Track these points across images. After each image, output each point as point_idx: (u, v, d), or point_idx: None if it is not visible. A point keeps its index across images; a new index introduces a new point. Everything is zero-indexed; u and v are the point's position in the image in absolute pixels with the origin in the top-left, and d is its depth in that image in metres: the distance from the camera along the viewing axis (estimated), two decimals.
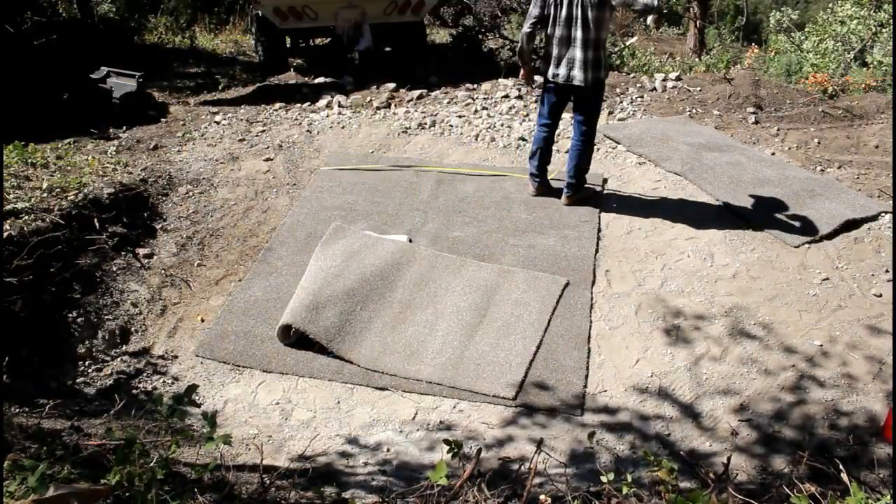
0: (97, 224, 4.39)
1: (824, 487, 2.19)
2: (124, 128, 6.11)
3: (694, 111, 6.75)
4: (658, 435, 3.28)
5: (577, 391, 3.50)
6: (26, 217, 4.06)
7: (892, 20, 8.80)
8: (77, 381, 3.53)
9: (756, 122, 6.46)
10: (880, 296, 4.04)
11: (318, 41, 9.31)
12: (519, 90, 7.05)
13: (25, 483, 1.59)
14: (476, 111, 6.62)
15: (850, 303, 4.03)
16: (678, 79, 7.50)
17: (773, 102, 6.86)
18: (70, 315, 3.80)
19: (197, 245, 4.71)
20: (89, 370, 3.62)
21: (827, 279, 4.22)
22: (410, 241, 4.50)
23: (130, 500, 1.65)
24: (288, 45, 8.77)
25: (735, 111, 6.74)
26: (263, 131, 6.28)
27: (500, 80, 7.45)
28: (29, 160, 4.79)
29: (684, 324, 3.98)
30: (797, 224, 4.68)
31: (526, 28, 4.48)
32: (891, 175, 5.27)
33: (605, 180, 5.49)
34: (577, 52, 4.38)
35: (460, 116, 6.49)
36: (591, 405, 3.45)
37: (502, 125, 6.32)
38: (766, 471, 3.06)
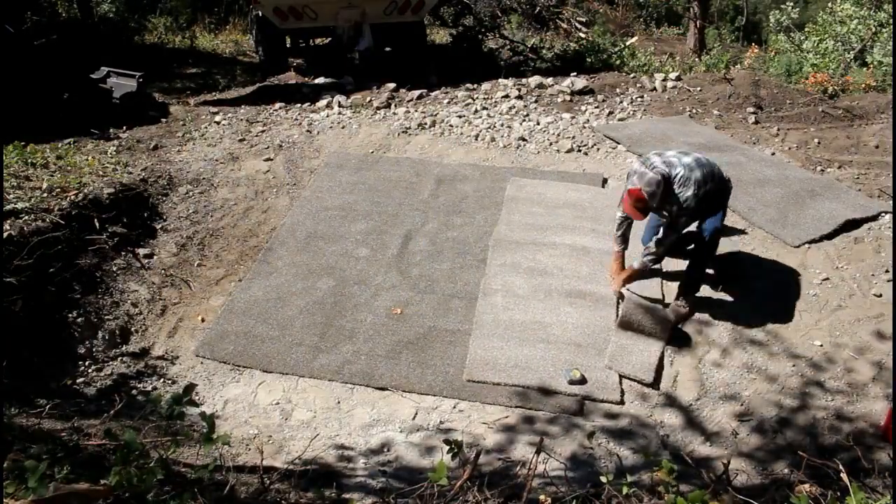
0: (97, 224, 4.39)
1: (824, 488, 2.19)
2: (124, 128, 6.12)
3: (694, 111, 6.75)
4: (659, 437, 3.28)
5: (576, 393, 3.50)
6: (26, 217, 4.06)
7: (892, 20, 8.79)
8: (77, 381, 3.53)
9: (756, 122, 6.46)
10: (880, 296, 4.04)
11: (318, 41, 9.31)
12: (519, 90, 7.05)
13: (25, 483, 1.59)
14: (476, 111, 6.62)
15: (850, 303, 4.03)
16: (678, 79, 7.50)
17: (773, 102, 6.86)
18: (70, 315, 3.80)
19: (197, 245, 4.71)
20: (89, 370, 3.62)
21: (827, 279, 4.21)
22: None
23: (130, 500, 1.65)
24: (288, 45, 8.77)
25: (735, 111, 6.74)
26: (263, 131, 6.28)
27: (500, 80, 7.45)
28: (29, 160, 4.79)
29: (685, 325, 3.98)
30: (797, 224, 4.67)
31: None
32: (891, 175, 5.26)
33: (605, 180, 5.49)
34: None
35: (460, 116, 6.49)
36: (591, 407, 3.45)
37: (502, 125, 6.32)
38: (767, 472, 3.06)
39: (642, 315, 3.82)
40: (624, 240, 4.14)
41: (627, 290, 3.97)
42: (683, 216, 3.77)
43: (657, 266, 4.13)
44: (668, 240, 3.86)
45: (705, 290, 4.23)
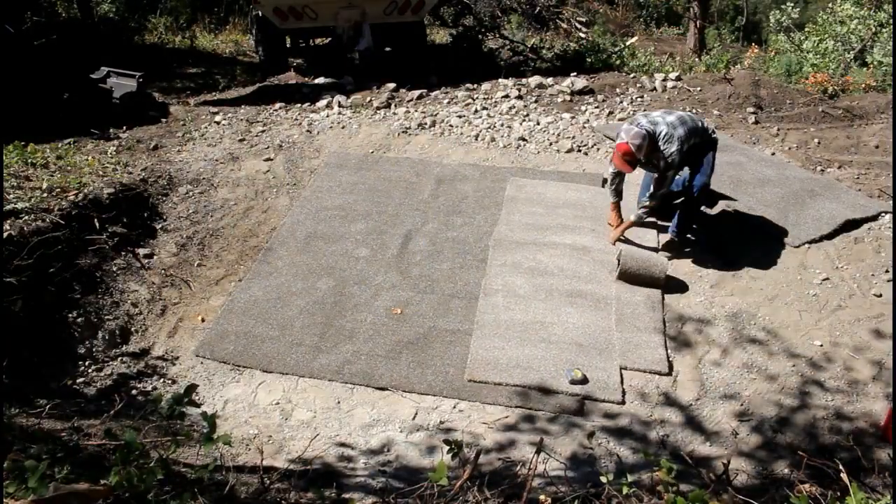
0: (97, 224, 4.39)
1: (824, 488, 2.19)
2: (124, 128, 6.11)
3: (694, 111, 6.74)
4: (659, 437, 3.28)
5: (577, 393, 3.50)
6: (26, 217, 4.06)
7: (892, 20, 8.79)
8: (77, 381, 3.53)
9: (756, 122, 6.46)
10: (880, 296, 4.04)
11: (318, 41, 9.30)
12: (519, 90, 7.04)
13: (25, 483, 1.59)
14: (476, 111, 6.62)
15: (850, 303, 4.03)
16: (678, 79, 7.50)
17: (773, 102, 6.85)
18: (70, 315, 3.80)
19: (197, 245, 4.71)
20: (89, 370, 3.62)
21: (827, 279, 4.21)
22: None
23: (130, 500, 1.65)
24: (288, 45, 8.77)
25: (735, 111, 6.74)
26: (263, 131, 6.28)
27: (500, 80, 7.44)
28: (29, 160, 4.79)
29: (685, 325, 3.98)
30: (797, 224, 4.67)
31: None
32: (891, 175, 5.26)
33: (604, 180, 5.48)
34: None
35: (460, 116, 6.48)
36: (591, 407, 3.45)
37: (502, 125, 6.32)
38: (767, 472, 3.06)
39: (639, 263, 4.21)
40: (617, 193, 4.64)
41: (623, 240, 4.52)
42: (670, 169, 4.24)
43: (652, 219, 4.67)
44: (659, 192, 4.36)
45: (705, 287, 4.24)
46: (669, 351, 3.78)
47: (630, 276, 4.20)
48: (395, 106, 6.86)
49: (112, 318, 3.96)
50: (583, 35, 11.22)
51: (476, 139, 6.15)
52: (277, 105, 6.92)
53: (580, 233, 4.74)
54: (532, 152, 5.96)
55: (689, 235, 4.63)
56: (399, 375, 3.61)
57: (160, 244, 4.65)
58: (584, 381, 3.50)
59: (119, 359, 3.76)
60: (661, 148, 4.17)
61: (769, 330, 3.90)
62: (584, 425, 3.31)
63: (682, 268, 4.44)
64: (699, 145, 4.31)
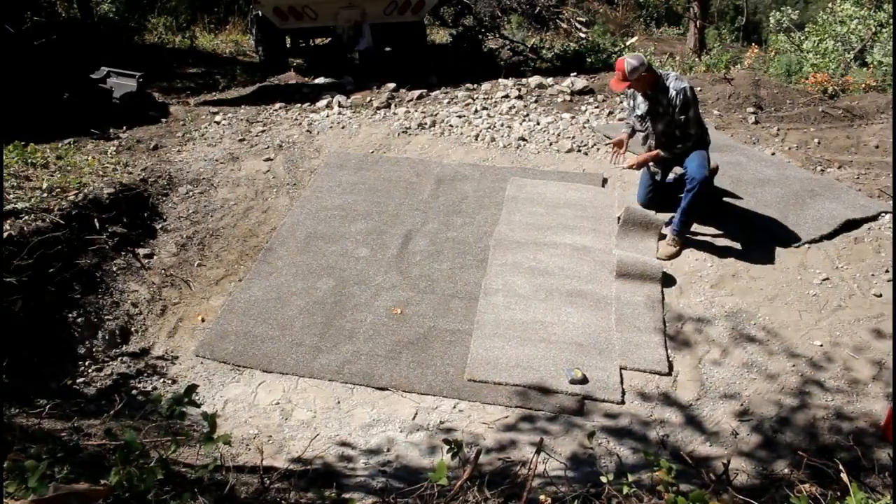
0: (97, 224, 4.39)
1: (824, 488, 2.19)
2: (124, 128, 6.11)
3: None
4: (659, 437, 3.28)
5: (576, 392, 3.50)
6: (26, 217, 4.06)
7: (892, 20, 8.79)
8: (77, 381, 3.53)
9: (756, 122, 6.46)
10: (880, 296, 4.04)
11: (318, 41, 9.31)
12: (519, 90, 7.05)
13: (25, 483, 1.59)
14: (476, 111, 6.62)
15: (850, 303, 4.03)
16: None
17: (773, 102, 6.85)
18: (70, 315, 3.80)
19: (197, 245, 4.71)
20: (89, 370, 3.62)
21: (827, 279, 4.21)
22: None
23: (130, 500, 1.65)
24: (288, 45, 8.77)
25: (735, 111, 6.74)
26: (263, 131, 6.28)
27: (500, 80, 7.44)
28: (29, 160, 4.79)
29: (685, 325, 3.98)
30: (797, 224, 4.67)
31: None
32: (891, 175, 5.26)
33: (604, 180, 5.49)
34: None
35: (460, 116, 6.48)
36: (591, 407, 3.45)
37: (502, 125, 6.32)
38: (767, 472, 3.06)
39: (639, 215, 4.58)
40: (629, 125, 4.65)
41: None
42: (686, 110, 4.18)
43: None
44: (688, 134, 4.30)
45: (705, 287, 4.24)
46: (669, 351, 3.79)
47: (632, 223, 4.59)
48: (395, 106, 6.86)
49: (112, 318, 3.96)
50: (583, 35, 11.24)
51: (476, 139, 6.15)
52: (277, 105, 6.92)
53: (580, 233, 4.74)
54: (532, 152, 5.96)
55: (689, 234, 4.60)
56: (399, 375, 3.61)
57: (160, 244, 4.65)
58: (584, 380, 3.50)
59: (119, 359, 3.76)
60: (669, 84, 4.19)
61: (769, 330, 3.90)
62: (584, 425, 3.31)
63: (682, 268, 4.44)
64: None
